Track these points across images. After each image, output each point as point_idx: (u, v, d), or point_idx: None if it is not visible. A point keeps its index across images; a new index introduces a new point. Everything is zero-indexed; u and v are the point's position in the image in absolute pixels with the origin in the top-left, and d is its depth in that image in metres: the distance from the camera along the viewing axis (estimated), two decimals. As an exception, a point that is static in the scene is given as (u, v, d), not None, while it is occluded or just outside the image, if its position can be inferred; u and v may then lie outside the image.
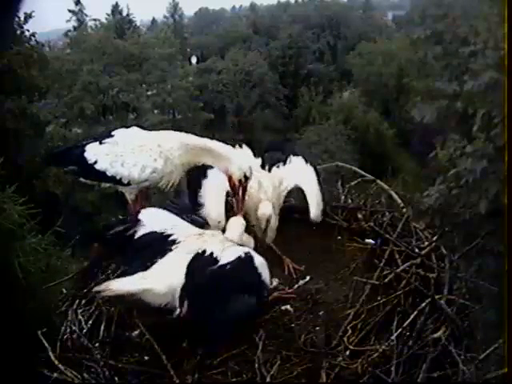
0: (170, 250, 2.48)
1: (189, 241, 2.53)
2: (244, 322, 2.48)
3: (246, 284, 2.42)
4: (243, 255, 2.45)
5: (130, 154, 2.95)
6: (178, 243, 2.51)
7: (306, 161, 3.38)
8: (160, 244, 2.51)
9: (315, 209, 3.13)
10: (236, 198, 2.88)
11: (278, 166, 3.29)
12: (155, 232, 2.58)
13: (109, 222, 3.59)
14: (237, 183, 2.83)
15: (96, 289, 2.47)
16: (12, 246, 2.91)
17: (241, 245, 2.64)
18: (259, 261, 2.49)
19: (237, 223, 2.77)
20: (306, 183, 3.22)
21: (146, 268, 2.43)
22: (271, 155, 3.41)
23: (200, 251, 2.44)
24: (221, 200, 3.01)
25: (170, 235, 2.55)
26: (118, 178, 2.95)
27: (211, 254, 2.41)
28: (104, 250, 3.05)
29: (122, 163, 2.93)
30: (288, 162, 3.33)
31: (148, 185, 3.01)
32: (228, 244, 2.55)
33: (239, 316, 2.39)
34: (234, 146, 3.10)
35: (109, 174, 2.95)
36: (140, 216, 2.69)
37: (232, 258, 2.41)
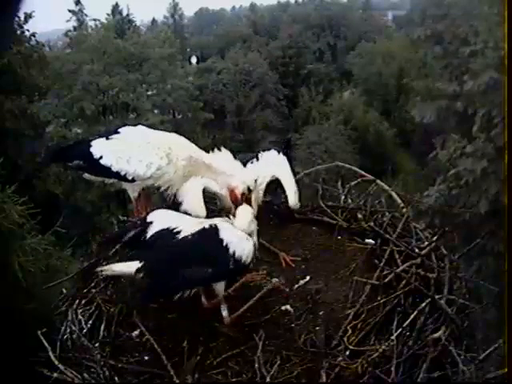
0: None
1: (188, 229, 2.57)
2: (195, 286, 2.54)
3: (206, 254, 2.50)
4: (208, 227, 2.54)
5: (136, 150, 2.97)
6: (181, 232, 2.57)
7: (278, 151, 3.43)
8: (165, 237, 2.56)
9: (293, 196, 3.22)
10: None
11: (251, 162, 3.31)
12: (164, 229, 2.62)
13: (120, 229, 3.59)
14: (239, 196, 2.87)
15: (99, 268, 2.59)
16: (12, 246, 2.91)
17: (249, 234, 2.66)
18: (229, 232, 2.54)
19: (245, 211, 2.78)
20: (282, 173, 3.27)
21: None
22: (243, 155, 3.44)
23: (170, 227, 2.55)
24: (200, 195, 3.01)
25: (174, 228, 2.59)
26: (122, 173, 2.96)
27: (178, 227, 2.54)
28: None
29: (128, 159, 2.95)
30: (260, 156, 3.35)
31: (152, 182, 3.02)
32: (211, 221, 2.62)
33: (188, 282, 2.48)
34: (212, 150, 3.12)
35: (114, 169, 2.96)
36: (149, 218, 2.71)
37: (195, 230, 2.51)
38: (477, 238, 4.95)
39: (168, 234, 2.57)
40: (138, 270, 2.41)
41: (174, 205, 2.99)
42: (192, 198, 2.93)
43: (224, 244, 2.49)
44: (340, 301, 2.77)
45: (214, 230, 2.53)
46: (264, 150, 3.44)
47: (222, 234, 2.52)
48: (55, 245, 3.65)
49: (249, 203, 2.90)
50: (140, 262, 2.44)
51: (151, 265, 2.43)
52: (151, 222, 2.66)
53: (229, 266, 2.49)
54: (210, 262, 2.48)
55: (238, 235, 2.57)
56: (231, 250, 2.48)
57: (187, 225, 2.61)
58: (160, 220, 2.68)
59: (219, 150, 3.11)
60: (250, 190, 2.90)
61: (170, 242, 2.51)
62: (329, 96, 26.22)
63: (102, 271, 2.61)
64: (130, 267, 2.48)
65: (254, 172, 3.18)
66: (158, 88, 21.45)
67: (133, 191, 3.10)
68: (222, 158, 3.09)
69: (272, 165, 3.31)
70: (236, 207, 2.87)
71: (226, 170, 2.95)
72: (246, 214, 2.76)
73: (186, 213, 2.87)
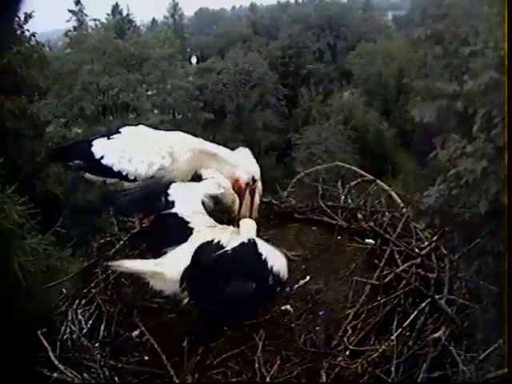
0: (186, 240, 2.51)
1: (202, 233, 2.55)
2: (244, 307, 2.46)
3: (248, 269, 2.42)
4: (247, 241, 2.47)
5: (137, 150, 2.96)
6: (193, 234, 2.54)
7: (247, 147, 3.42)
8: (178, 232, 2.53)
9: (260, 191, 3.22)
10: (244, 202, 2.89)
11: None
12: (177, 215, 2.59)
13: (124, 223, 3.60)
14: (243, 186, 2.85)
15: (110, 263, 2.52)
16: (12, 246, 2.90)
17: None
18: (265, 247, 2.48)
19: (249, 224, 2.76)
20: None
21: (159, 255, 2.46)
22: None
23: (209, 240, 2.47)
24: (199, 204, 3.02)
25: (188, 222, 2.57)
26: (124, 173, 2.94)
27: (218, 242, 2.45)
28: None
29: (130, 159, 2.94)
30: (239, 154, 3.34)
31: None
32: (237, 234, 2.58)
33: (239, 300, 2.38)
34: None
35: (115, 169, 2.95)
36: (169, 190, 2.70)
37: (235, 244, 2.43)
38: (477, 238, 4.96)
39: (181, 227, 2.54)
40: (188, 303, 2.35)
41: None
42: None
43: (263, 258, 2.41)
44: (340, 301, 2.77)
45: (253, 244, 2.46)
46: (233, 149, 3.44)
47: (261, 249, 2.45)
48: (55, 245, 3.64)
49: (253, 194, 2.88)
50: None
51: (199, 295, 2.36)
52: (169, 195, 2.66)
53: (268, 282, 2.41)
54: (250, 277, 2.38)
55: (273, 249, 2.52)
56: (269, 265, 2.41)
57: (199, 222, 2.59)
58: (177, 197, 2.65)
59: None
60: (254, 181, 2.87)
61: (209, 256, 2.39)
62: (329, 96, 26.24)
63: (111, 266, 2.55)
64: (146, 265, 2.44)
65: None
66: (158, 88, 21.50)
67: None
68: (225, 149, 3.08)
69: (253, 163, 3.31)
70: (240, 198, 2.86)
71: (231, 160, 2.93)
72: (249, 227, 2.73)
73: None
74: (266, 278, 2.38)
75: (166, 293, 2.46)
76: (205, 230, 2.58)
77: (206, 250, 2.42)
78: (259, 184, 3.17)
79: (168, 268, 2.41)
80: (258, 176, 2.87)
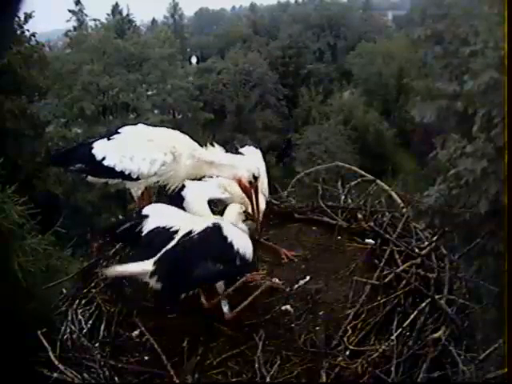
0: (173, 238, 2.55)
1: (185, 228, 2.58)
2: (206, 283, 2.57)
3: (213, 251, 2.50)
4: (211, 225, 2.55)
5: (138, 148, 2.96)
6: (179, 232, 2.57)
7: (256, 147, 3.46)
8: (164, 236, 2.56)
9: (266, 191, 3.25)
10: (250, 201, 2.90)
11: None
12: (161, 227, 2.61)
13: (117, 220, 3.59)
14: (247, 185, 2.85)
15: (104, 270, 2.56)
16: (12, 246, 2.90)
17: None
18: (231, 231, 2.56)
19: (233, 209, 2.81)
20: (262, 168, 3.26)
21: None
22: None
23: (187, 231, 2.53)
24: (205, 204, 3.03)
25: (172, 227, 2.59)
26: (126, 173, 2.94)
27: (191, 231, 2.52)
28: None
29: (131, 158, 2.93)
30: (243, 152, 3.34)
31: (156, 179, 3.01)
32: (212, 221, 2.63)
33: (205, 278, 2.49)
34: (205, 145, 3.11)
35: (118, 169, 2.94)
36: (145, 211, 2.71)
37: (200, 229, 2.51)
38: (477, 238, 4.96)
39: (166, 232, 2.57)
40: (152, 274, 2.40)
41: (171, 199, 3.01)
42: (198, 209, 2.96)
43: (228, 241, 2.51)
44: (340, 301, 2.77)
45: (218, 227, 2.54)
46: (242, 147, 3.44)
47: (226, 232, 2.53)
48: (55, 245, 3.64)
49: (257, 192, 2.89)
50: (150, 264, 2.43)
51: (165, 267, 2.42)
52: (147, 216, 2.67)
53: (235, 263, 2.50)
54: (218, 259, 2.48)
55: (239, 232, 2.60)
56: (235, 247, 2.50)
57: (186, 223, 2.61)
58: (156, 214, 2.68)
59: (212, 145, 3.09)
60: (255, 178, 2.88)
61: (178, 242, 2.50)
62: (329, 96, 26.22)
63: (105, 273, 2.59)
64: (135, 268, 2.47)
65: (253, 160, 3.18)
66: (158, 88, 21.48)
67: (137, 190, 3.10)
68: (220, 152, 3.08)
69: (257, 160, 3.31)
70: (248, 197, 2.88)
71: (228, 163, 2.93)
72: (233, 209, 2.80)
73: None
74: (232, 259, 2.49)
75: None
76: (189, 225, 2.60)
77: (180, 239, 2.50)
78: (265, 190, 3.19)
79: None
80: (258, 173, 2.87)
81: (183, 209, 2.99)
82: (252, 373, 2.35)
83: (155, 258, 2.44)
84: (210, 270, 2.44)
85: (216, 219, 2.68)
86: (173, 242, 2.50)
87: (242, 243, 2.55)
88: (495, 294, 3.40)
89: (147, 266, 2.44)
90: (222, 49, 31.26)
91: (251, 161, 3.00)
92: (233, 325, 2.59)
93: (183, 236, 2.51)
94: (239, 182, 2.87)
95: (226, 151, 3.10)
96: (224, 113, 26.19)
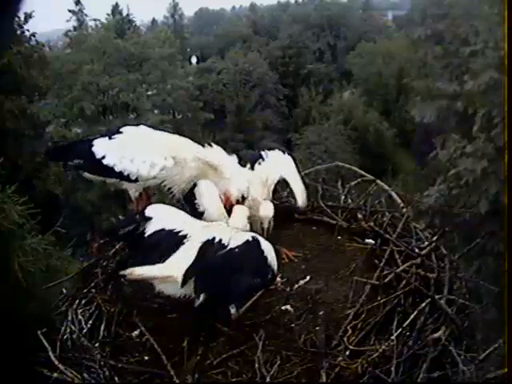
0: (183, 243, 2.53)
1: (199, 232, 2.58)
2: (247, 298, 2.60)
3: (253, 266, 2.51)
4: (251, 239, 2.55)
5: (139, 150, 2.95)
6: (189, 236, 2.56)
7: (284, 151, 3.46)
8: (172, 240, 2.55)
9: (301, 196, 3.25)
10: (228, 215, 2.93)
11: (259, 163, 3.32)
12: (165, 230, 2.60)
13: (119, 221, 3.59)
14: (234, 203, 2.88)
15: (121, 272, 2.49)
16: (12, 246, 2.90)
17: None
18: (265, 244, 2.58)
19: (241, 211, 2.83)
20: (289, 173, 3.30)
21: (161, 262, 2.48)
22: (245, 153, 3.46)
23: (210, 238, 2.51)
24: (219, 201, 3.03)
25: (180, 231, 2.58)
26: (125, 174, 2.94)
27: (220, 240, 2.50)
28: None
29: (132, 159, 2.93)
30: (266, 156, 3.36)
31: (155, 183, 3.01)
32: (234, 231, 2.64)
33: (244, 293, 2.54)
34: (203, 145, 3.11)
35: (117, 169, 2.94)
36: (147, 212, 2.70)
37: (240, 243, 2.50)
38: (477, 238, 4.95)
39: (174, 236, 2.55)
40: (195, 291, 2.40)
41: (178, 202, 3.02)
42: (211, 204, 2.99)
43: (264, 255, 2.53)
44: (340, 301, 2.77)
45: (257, 242, 2.56)
46: (269, 149, 3.43)
47: (263, 246, 2.56)
48: (55, 245, 3.64)
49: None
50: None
51: (208, 279, 2.41)
52: (150, 218, 2.65)
53: (268, 277, 2.54)
54: (256, 273, 2.50)
55: (270, 245, 2.61)
56: (269, 262, 2.53)
57: (191, 227, 2.61)
58: (160, 216, 2.66)
59: (210, 145, 3.09)
60: (243, 198, 2.91)
61: (216, 255, 2.46)
62: (329, 96, 26.19)
63: (123, 276, 2.51)
64: (156, 270, 2.45)
65: (263, 172, 3.22)
66: (158, 88, 21.48)
67: (134, 191, 3.09)
68: (224, 157, 3.08)
69: (279, 165, 3.32)
70: (228, 210, 2.91)
71: (227, 174, 2.95)
72: (241, 214, 2.82)
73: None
74: (267, 273, 2.52)
75: (174, 295, 2.49)
76: (200, 230, 2.60)
77: (210, 248, 2.47)
78: (302, 195, 3.20)
79: (175, 270, 2.42)
80: (246, 194, 2.93)
81: (196, 206, 2.98)
82: (252, 373, 2.35)
83: (185, 267, 2.40)
84: (250, 284, 2.48)
85: (251, 233, 2.67)
86: (193, 250, 2.46)
87: (273, 257, 2.57)
88: (495, 294, 3.40)
89: (166, 270, 2.43)
90: (222, 49, 31.26)
91: (244, 181, 3.01)
92: (233, 325, 2.59)
93: (207, 244, 2.48)
94: (226, 198, 2.90)
95: (225, 150, 3.11)
96: (224, 113, 26.18)
